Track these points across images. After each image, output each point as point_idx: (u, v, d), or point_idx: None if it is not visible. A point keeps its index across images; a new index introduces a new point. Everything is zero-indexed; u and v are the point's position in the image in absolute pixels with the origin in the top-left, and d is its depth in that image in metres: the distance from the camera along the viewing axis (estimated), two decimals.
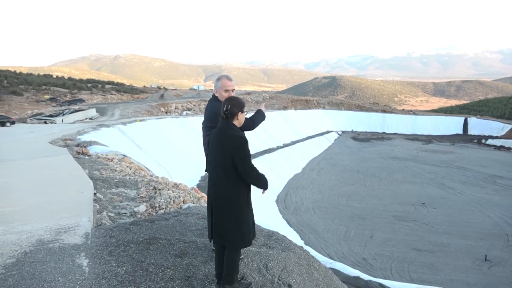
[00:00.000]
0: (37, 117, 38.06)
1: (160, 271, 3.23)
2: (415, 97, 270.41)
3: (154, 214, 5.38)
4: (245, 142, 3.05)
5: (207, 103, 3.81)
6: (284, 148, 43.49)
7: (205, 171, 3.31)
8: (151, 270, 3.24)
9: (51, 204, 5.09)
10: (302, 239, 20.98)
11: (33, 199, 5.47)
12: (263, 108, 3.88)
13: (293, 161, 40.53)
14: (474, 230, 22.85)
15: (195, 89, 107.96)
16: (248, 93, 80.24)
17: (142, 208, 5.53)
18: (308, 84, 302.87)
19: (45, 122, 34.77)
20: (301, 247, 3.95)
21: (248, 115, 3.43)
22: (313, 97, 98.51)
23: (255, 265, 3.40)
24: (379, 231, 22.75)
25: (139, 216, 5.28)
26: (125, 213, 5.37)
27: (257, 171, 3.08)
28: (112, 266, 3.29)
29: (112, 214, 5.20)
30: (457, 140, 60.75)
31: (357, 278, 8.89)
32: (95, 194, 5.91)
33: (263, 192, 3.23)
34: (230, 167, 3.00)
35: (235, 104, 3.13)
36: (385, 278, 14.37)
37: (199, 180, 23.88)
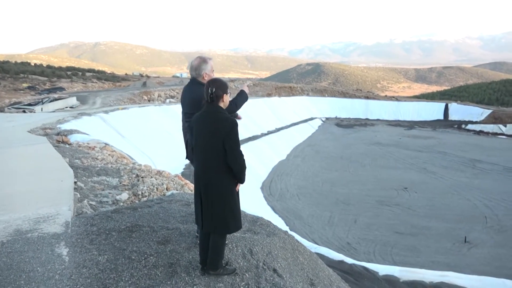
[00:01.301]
0: (15, 106, 37.05)
1: (143, 258, 3.17)
2: (397, 84, 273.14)
3: (137, 202, 5.30)
4: (236, 125, 2.97)
5: (185, 87, 3.65)
6: (268, 135, 43.46)
7: (186, 158, 3.20)
8: (133, 257, 3.18)
9: (29, 194, 4.95)
10: (287, 225, 21.13)
11: (10, 189, 5.32)
12: (245, 89, 3.76)
13: (277, 148, 40.59)
14: (454, 213, 23.36)
15: (178, 77, 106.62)
16: (232, 80, 79.64)
17: (124, 196, 5.43)
18: (292, 71, 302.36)
19: (24, 111, 33.87)
20: (285, 232, 3.94)
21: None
22: (297, 84, 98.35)
23: (240, 251, 3.37)
24: (363, 216, 23.07)
25: (122, 204, 5.18)
26: (107, 202, 5.27)
27: (244, 159, 3.00)
28: (93, 255, 3.21)
29: (93, 203, 5.10)
30: (438, 126, 61.60)
31: (342, 262, 9.01)
32: (75, 182, 5.78)
33: (237, 187, 3.08)
34: (221, 153, 2.91)
35: (219, 85, 3.01)
36: (369, 262, 14.62)
37: (183, 168, 23.71)
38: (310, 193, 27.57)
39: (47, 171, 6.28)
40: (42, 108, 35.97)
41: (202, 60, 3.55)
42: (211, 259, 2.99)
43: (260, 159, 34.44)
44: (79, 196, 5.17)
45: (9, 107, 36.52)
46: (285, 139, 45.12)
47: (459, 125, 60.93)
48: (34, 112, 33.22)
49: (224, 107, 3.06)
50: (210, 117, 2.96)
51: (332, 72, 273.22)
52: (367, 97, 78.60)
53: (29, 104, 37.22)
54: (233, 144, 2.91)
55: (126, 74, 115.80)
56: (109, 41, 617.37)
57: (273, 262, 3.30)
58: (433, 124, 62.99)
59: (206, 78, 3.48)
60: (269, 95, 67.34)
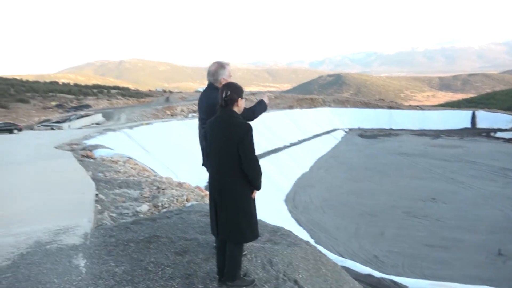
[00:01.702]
0: (44, 123, 38.34)
1: (160, 269, 3.09)
2: (421, 92, 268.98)
3: (157, 213, 5.26)
4: (251, 129, 2.86)
5: (202, 93, 3.60)
6: (291, 147, 43.26)
7: (202, 165, 3.11)
8: (150, 269, 3.11)
9: (51, 206, 4.99)
10: (312, 238, 20.77)
11: (33, 201, 5.39)
12: (266, 99, 3.67)
13: (300, 160, 40.29)
14: (487, 224, 22.45)
15: (200, 91, 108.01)
16: (253, 94, 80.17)
17: (144, 207, 5.41)
18: (313, 83, 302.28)
19: (52, 128, 34.99)
20: (307, 242, 3.80)
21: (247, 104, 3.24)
22: (318, 95, 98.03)
23: (259, 261, 3.25)
24: (390, 227, 22.45)
25: (142, 215, 5.16)
26: (127, 213, 5.25)
27: (259, 165, 2.90)
28: (110, 266, 3.16)
29: (113, 215, 5.09)
30: (466, 134, 60.03)
31: (369, 275, 8.72)
32: (97, 195, 5.80)
33: (253, 193, 2.97)
34: (236, 158, 2.81)
35: (234, 89, 2.93)
36: (398, 275, 14.16)
37: (207, 182, 23.72)
38: (335, 205, 27.10)
39: (70, 184, 6.35)
40: (69, 125, 37.07)
41: (220, 65, 3.49)
42: (228, 269, 2.88)
43: (283, 171, 34.24)
44: (99, 208, 5.18)
45: (39, 125, 37.81)
46: (308, 151, 44.79)
47: (488, 133, 59.17)
48: (62, 129, 34.24)
49: (238, 112, 2.97)
50: (224, 121, 2.88)
51: (354, 82, 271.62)
52: (390, 107, 77.51)
53: (57, 122, 38.45)
54: (248, 150, 2.82)
55: (149, 90, 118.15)
56: (133, 59, 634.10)
57: (294, 273, 3.16)
58: (460, 133, 61.43)
59: (223, 83, 3.40)
60: (290, 107, 67.28)
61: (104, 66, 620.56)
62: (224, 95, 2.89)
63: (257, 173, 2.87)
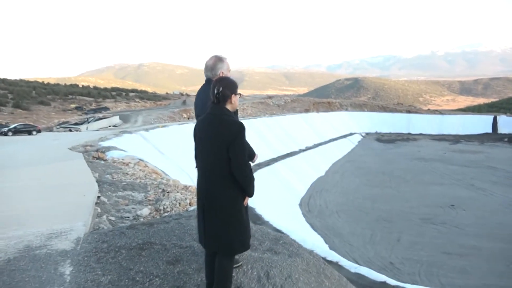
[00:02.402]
0: (63, 125, 38.94)
1: (148, 280, 2.87)
2: (440, 97, 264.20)
3: (158, 217, 5.07)
4: (243, 129, 2.60)
5: (199, 89, 3.35)
6: (306, 151, 42.83)
7: (195, 167, 2.86)
8: (138, 279, 2.89)
9: (49, 209, 4.86)
10: (326, 243, 20.40)
11: (33, 204, 5.27)
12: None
13: (316, 164, 39.84)
14: (508, 232, 21.71)
15: None
16: (270, 97, 79.96)
17: (145, 211, 5.23)
18: (330, 87, 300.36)
19: (70, 130, 35.48)
20: (311, 252, 3.52)
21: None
22: (335, 99, 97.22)
23: (255, 273, 2.98)
24: (406, 234, 21.91)
25: (142, 219, 4.97)
26: (128, 217, 5.08)
27: (251, 169, 2.63)
28: (96, 275, 2.96)
29: (113, 218, 4.92)
30: (486, 139, 58.62)
31: (384, 283, 8.46)
32: (99, 197, 5.66)
33: (245, 200, 2.72)
34: (226, 161, 2.55)
35: (227, 85, 2.66)
36: (414, 283, 13.75)
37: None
38: (350, 210, 26.64)
39: (73, 186, 6.23)
40: (87, 127, 37.57)
41: (218, 59, 3.26)
42: (218, 283, 2.61)
43: (298, 175, 33.90)
44: (99, 211, 5.02)
45: (57, 127, 38.42)
46: (324, 155, 44.29)
47: (510, 138, 57.63)
48: (80, 131, 34.69)
49: (232, 110, 2.71)
50: (215, 120, 2.61)
51: (372, 86, 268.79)
52: (408, 111, 76.31)
53: (76, 124, 39.02)
54: (239, 152, 2.54)
55: (166, 93, 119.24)
56: (152, 62, 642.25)
57: (293, 287, 2.90)
58: (480, 138, 60.01)
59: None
60: (306, 110, 66.79)
61: (123, 70, 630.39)
62: (215, 91, 2.63)
63: (249, 178, 2.60)
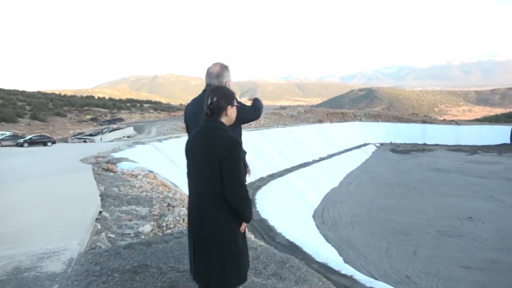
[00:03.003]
0: (78, 136, 39.38)
1: None
2: (456, 107, 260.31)
3: (160, 234, 4.81)
4: (239, 145, 2.29)
5: (195, 100, 3.06)
6: (320, 161, 42.28)
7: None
8: None
9: (46, 225, 4.65)
10: (340, 255, 19.93)
11: (30, 219, 5.07)
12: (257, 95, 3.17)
13: (329, 174, 39.25)
14: None
15: None
16: (283, 108, 79.76)
17: (147, 228, 4.98)
18: (344, 97, 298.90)
19: (85, 141, 35.83)
20: (320, 278, 3.21)
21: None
22: (349, 109, 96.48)
23: None
24: (423, 247, 21.25)
25: (143, 237, 4.72)
26: (129, 234, 4.84)
27: (247, 190, 2.32)
28: None
29: (112, 236, 4.67)
30: (505, 150, 57.20)
31: None
32: (100, 212, 5.44)
33: (242, 226, 2.39)
34: (219, 180, 2.23)
35: (223, 95, 2.37)
36: None
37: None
38: (365, 222, 26.04)
39: (74, 200, 6.03)
40: (101, 138, 37.90)
41: (224, 67, 3.00)
42: None
43: (311, 186, 33.42)
44: (99, 227, 4.79)
45: (72, 138, 38.86)
46: (337, 165, 43.68)
47: None
48: (94, 142, 34.99)
49: (228, 123, 2.41)
50: (207, 134, 2.31)
51: (386, 97, 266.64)
52: (424, 122, 75.19)
53: (90, 135, 39.44)
54: (232, 171, 2.23)
55: (180, 104, 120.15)
56: (166, 74, 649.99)
57: None
58: (498, 149, 58.65)
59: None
60: (320, 121, 66.31)
61: (138, 81, 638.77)
62: (209, 101, 2.34)
63: (244, 202, 2.28)
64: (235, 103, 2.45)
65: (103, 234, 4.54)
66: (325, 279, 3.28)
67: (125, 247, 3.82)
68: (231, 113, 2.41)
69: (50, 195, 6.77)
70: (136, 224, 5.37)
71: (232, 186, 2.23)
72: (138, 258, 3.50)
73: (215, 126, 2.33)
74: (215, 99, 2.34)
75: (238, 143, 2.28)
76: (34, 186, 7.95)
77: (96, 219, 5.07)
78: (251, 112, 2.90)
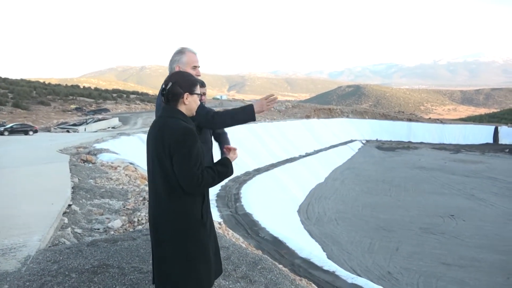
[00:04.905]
0: (61, 126, 38.54)
1: None
2: (442, 106, 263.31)
3: (131, 230, 4.58)
4: (191, 134, 2.01)
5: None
6: (306, 157, 42.35)
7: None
8: None
9: (7, 219, 4.35)
10: (324, 251, 20.03)
11: None
12: (257, 107, 2.56)
13: (315, 170, 39.33)
14: (508, 244, 21.30)
15: (218, 99, 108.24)
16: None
17: (117, 223, 4.73)
18: (331, 93, 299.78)
19: (68, 131, 35.08)
20: (293, 281, 3.01)
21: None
22: (336, 105, 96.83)
23: None
24: (405, 243, 21.49)
25: (112, 232, 4.48)
26: (98, 229, 4.59)
27: (204, 177, 2.03)
28: None
29: (79, 231, 4.42)
30: (487, 150, 58.11)
31: None
32: (70, 206, 5.17)
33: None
34: (173, 174, 2.00)
35: (180, 80, 2.12)
36: None
37: (219, 189, 23.14)
38: (349, 218, 26.19)
39: (43, 193, 5.74)
40: (85, 128, 37.17)
41: (177, 51, 2.67)
42: None
43: (297, 181, 33.42)
44: (66, 222, 4.53)
45: (55, 127, 38.01)
46: (323, 161, 43.79)
47: (511, 149, 57.08)
48: (78, 132, 34.28)
49: (187, 112, 2.15)
50: (160, 123, 2.08)
51: (373, 94, 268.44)
52: (409, 120, 75.95)
53: (74, 124, 38.64)
54: (181, 161, 1.97)
55: None
56: (154, 65, 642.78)
57: None
58: (481, 148, 59.57)
59: None
60: (307, 117, 66.31)
61: (125, 72, 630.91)
62: (163, 87, 2.12)
63: (202, 188, 2.05)
64: (196, 92, 2.19)
65: (69, 229, 4.28)
66: (297, 283, 3.10)
67: (89, 244, 3.57)
68: (190, 101, 2.15)
69: (18, 187, 6.44)
70: (107, 218, 5.12)
71: (181, 178, 1.99)
72: (100, 257, 3.25)
73: (169, 115, 2.09)
74: (169, 84, 2.11)
75: (190, 132, 2.02)
76: (6, 177, 7.59)
77: (64, 213, 4.81)
78: (227, 117, 2.56)
